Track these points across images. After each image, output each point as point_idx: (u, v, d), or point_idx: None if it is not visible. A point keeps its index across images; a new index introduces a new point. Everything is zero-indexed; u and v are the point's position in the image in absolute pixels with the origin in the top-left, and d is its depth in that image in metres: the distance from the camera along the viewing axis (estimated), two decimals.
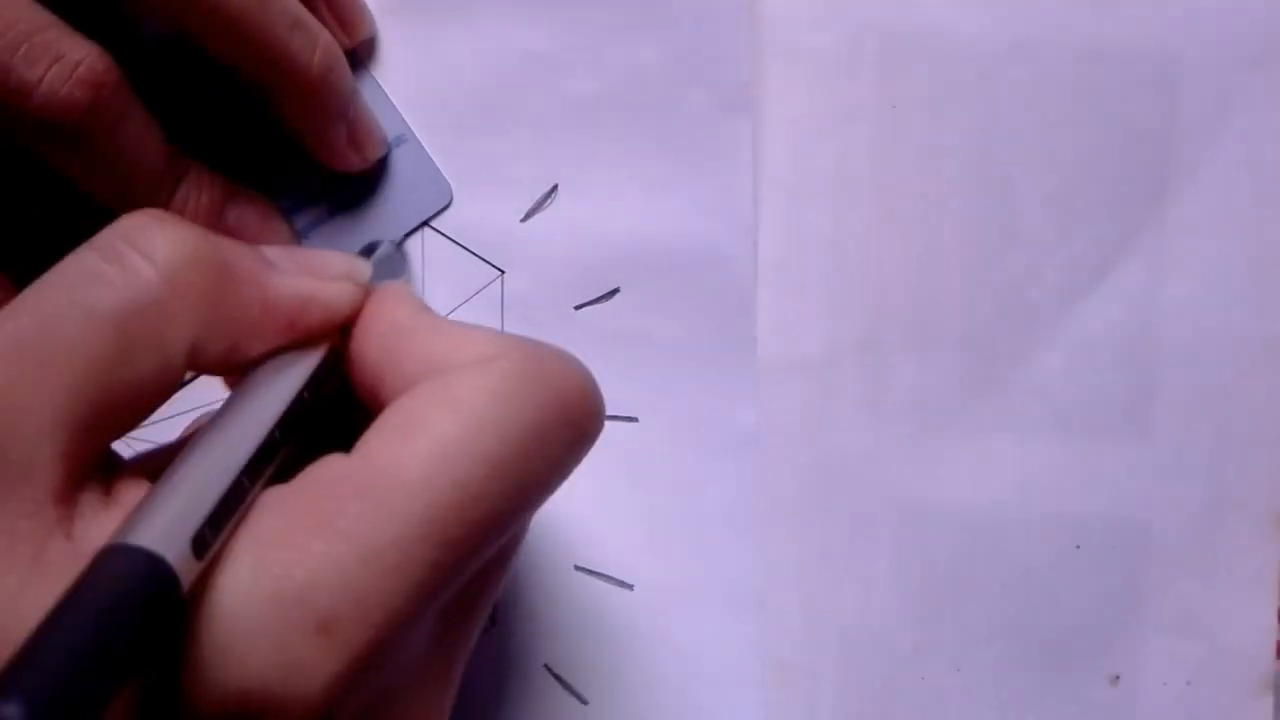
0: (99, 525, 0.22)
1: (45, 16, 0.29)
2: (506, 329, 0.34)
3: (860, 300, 0.34)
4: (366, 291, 0.28)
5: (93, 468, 0.24)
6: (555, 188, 0.34)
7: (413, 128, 0.35)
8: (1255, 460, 0.34)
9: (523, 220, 0.34)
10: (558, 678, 0.34)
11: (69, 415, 0.23)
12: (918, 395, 0.34)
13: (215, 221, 0.32)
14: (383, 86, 0.34)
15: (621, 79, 0.34)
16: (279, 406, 0.26)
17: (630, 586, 0.34)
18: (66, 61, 0.28)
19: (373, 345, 0.27)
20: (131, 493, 0.23)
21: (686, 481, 0.34)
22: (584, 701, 0.34)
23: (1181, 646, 0.34)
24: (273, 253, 0.28)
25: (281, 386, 0.26)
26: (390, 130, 0.34)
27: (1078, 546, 0.34)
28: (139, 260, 0.24)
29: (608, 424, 0.34)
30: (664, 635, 0.34)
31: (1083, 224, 0.34)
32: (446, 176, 0.34)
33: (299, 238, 0.34)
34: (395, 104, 0.34)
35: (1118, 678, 0.34)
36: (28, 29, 0.28)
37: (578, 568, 0.34)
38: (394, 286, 0.29)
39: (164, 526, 0.21)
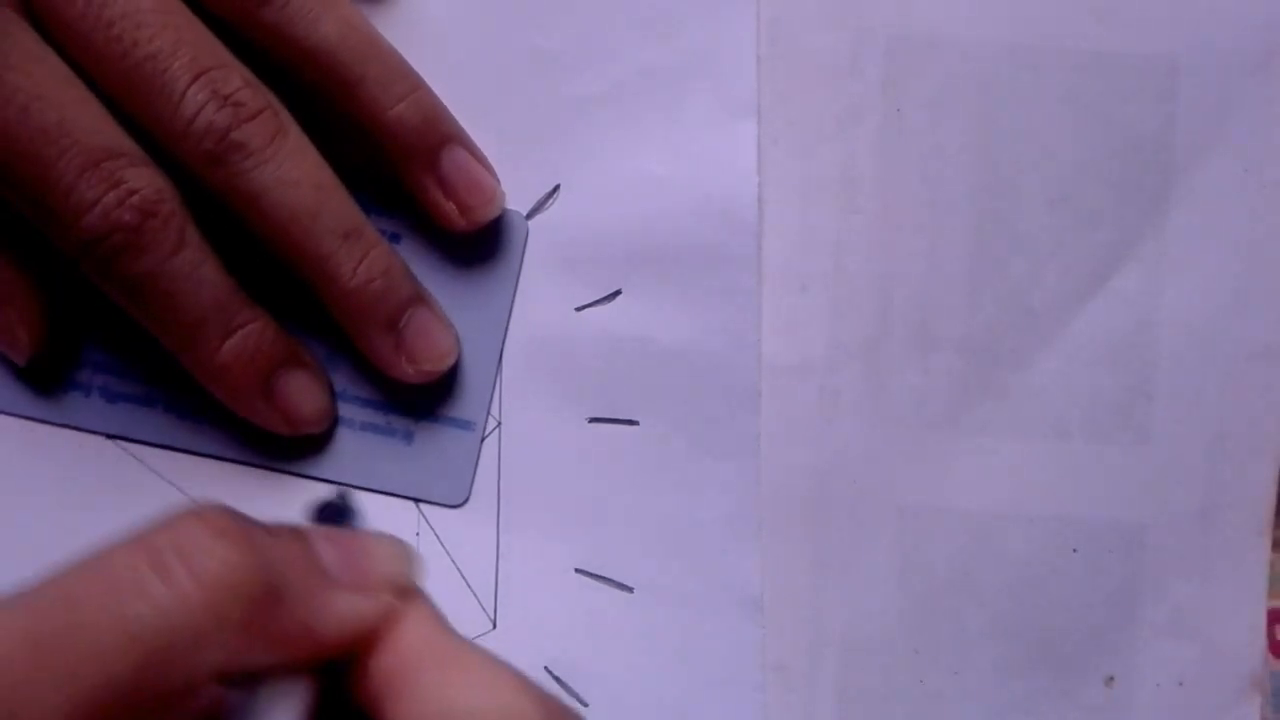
0: None
1: (124, 144, 0.29)
2: (506, 330, 0.34)
3: (862, 303, 0.34)
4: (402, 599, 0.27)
5: None
6: (557, 188, 0.34)
7: None
8: (1247, 465, 0.35)
9: (524, 220, 0.34)
10: (558, 680, 0.34)
11: None
12: (918, 398, 0.34)
13: (261, 384, 0.32)
14: (504, 367, 0.34)
15: (626, 80, 0.34)
16: None
17: (630, 589, 0.34)
18: (125, 188, 0.29)
19: (387, 666, 0.26)
20: None
21: (687, 484, 0.34)
22: (584, 704, 0.34)
23: (1175, 648, 0.35)
24: (323, 546, 0.26)
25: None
26: (467, 411, 0.34)
27: (1075, 550, 0.35)
28: (185, 578, 0.23)
29: (608, 426, 0.34)
30: (664, 638, 0.34)
31: (1083, 229, 0.34)
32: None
33: (335, 423, 0.33)
34: (496, 386, 0.34)
35: (1113, 679, 0.35)
36: (100, 154, 0.29)
37: (578, 570, 0.34)
38: (424, 604, 0.27)
39: None
